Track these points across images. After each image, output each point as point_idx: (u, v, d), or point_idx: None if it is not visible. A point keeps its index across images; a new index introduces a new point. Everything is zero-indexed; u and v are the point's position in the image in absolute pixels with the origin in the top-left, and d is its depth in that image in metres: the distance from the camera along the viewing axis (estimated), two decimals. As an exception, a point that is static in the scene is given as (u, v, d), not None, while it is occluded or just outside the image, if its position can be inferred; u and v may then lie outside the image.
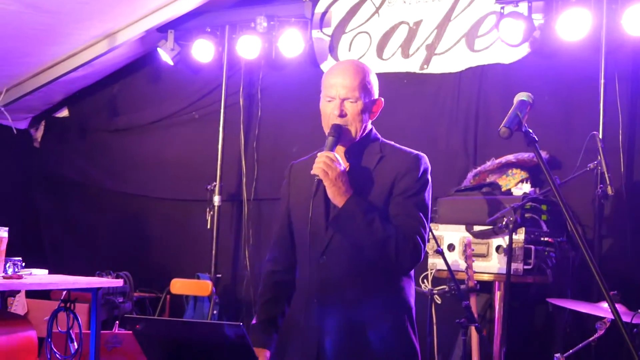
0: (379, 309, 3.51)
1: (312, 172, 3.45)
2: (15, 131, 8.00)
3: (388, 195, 3.52)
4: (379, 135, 3.71)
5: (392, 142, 3.71)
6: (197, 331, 3.07)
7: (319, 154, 3.48)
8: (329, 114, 3.59)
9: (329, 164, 3.42)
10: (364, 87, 3.57)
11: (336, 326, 3.50)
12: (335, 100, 3.56)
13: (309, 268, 3.59)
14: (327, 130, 3.59)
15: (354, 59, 3.84)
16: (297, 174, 3.81)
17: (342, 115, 3.56)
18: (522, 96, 3.06)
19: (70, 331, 4.55)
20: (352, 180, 3.48)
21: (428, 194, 3.60)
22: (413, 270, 3.67)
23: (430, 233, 5.17)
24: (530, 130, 2.95)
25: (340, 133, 3.55)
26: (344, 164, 3.49)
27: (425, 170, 3.60)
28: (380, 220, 3.42)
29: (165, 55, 7.52)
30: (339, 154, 3.57)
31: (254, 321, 3.70)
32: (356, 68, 3.63)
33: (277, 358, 3.70)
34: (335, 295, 3.52)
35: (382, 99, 3.67)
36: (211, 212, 7.43)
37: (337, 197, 3.45)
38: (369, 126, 3.69)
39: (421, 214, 3.52)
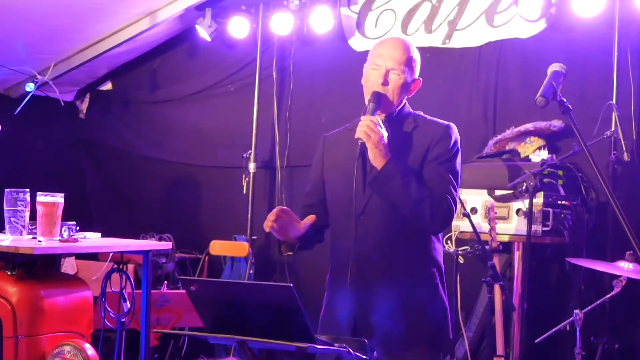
0: (411, 263, 3.52)
1: (356, 135, 3.41)
2: (62, 103, 7.97)
3: (422, 161, 3.51)
4: (412, 110, 3.70)
5: (424, 114, 3.70)
6: (248, 292, 3.00)
7: (362, 117, 3.44)
8: (372, 81, 3.56)
9: (372, 127, 3.38)
10: (409, 64, 3.57)
11: (372, 278, 3.49)
12: (381, 69, 3.54)
13: (346, 228, 3.55)
14: (367, 96, 3.56)
15: (404, 38, 3.80)
16: (331, 145, 3.79)
17: (385, 83, 3.53)
18: (555, 67, 2.99)
19: (123, 291, 4.50)
20: (390, 146, 3.44)
21: (458, 162, 3.60)
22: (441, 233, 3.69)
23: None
24: (565, 100, 2.87)
25: (380, 100, 3.51)
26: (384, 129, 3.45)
27: (456, 140, 3.60)
28: (416, 182, 3.40)
29: (203, 32, 7.41)
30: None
31: None
32: (406, 45, 3.63)
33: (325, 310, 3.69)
34: (371, 251, 3.49)
35: (421, 80, 3.66)
36: (247, 179, 7.37)
37: (377, 159, 3.40)
38: (404, 101, 3.67)
39: (452, 178, 3.51)
